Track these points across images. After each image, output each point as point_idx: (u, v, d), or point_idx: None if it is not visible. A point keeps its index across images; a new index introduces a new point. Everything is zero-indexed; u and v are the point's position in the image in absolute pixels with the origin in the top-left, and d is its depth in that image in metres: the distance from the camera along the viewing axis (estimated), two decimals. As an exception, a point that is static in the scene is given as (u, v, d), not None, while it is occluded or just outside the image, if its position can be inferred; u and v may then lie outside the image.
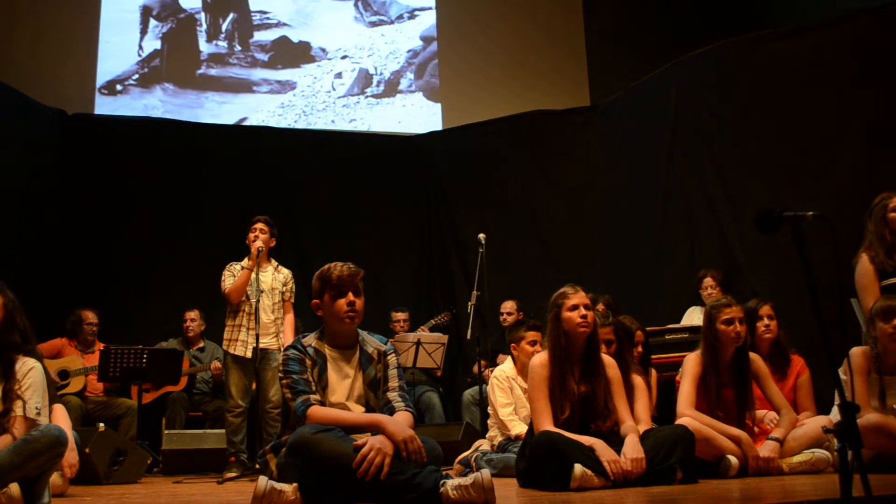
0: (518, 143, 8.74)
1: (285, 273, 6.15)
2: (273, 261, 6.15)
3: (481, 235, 6.86)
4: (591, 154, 8.44)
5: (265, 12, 9.82)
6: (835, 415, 4.44)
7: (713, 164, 7.03)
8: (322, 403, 3.40)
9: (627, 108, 8.12)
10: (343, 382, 3.52)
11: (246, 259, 5.99)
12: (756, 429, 4.44)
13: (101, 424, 5.40)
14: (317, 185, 8.69)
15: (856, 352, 4.33)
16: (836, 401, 3.51)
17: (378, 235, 8.70)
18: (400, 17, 10.22)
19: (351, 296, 3.53)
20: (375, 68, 9.97)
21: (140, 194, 8.21)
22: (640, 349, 5.05)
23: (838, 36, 6.76)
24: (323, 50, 9.86)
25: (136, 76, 9.24)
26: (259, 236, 5.97)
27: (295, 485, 3.16)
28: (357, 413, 3.45)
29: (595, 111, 8.72)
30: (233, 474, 5.52)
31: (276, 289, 6.05)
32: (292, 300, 6.13)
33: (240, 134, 8.93)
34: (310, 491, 3.15)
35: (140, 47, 9.33)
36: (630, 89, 8.16)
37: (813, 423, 4.34)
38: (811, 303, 2.79)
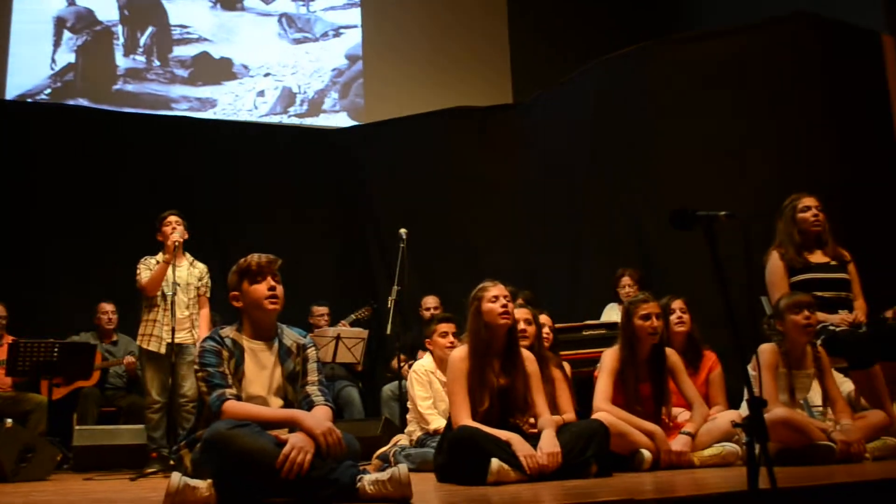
0: (440, 138, 8.73)
1: (200, 268, 6.05)
2: (188, 255, 6.05)
3: (402, 230, 6.84)
4: (513, 151, 8.49)
5: (185, 26, 9.55)
6: (744, 409, 4.55)
7: (632, 163, 7.14)
8: (238, 397, 3.34)
9: (549, 107, 8.20)
10: (261, 374, 3.47)
11: (161, 253, 5.88)
12: (670, 423, 4.54)
13: (9, 420, 5.27)
14: (235, 179, 8.54)
15: (764, 348, 4.46)
16: (746, 396, 3.60)
17: (298, 230, 8.60)
18: (325, 35, 10.08)
19: (271, 280, 3.50)
20: (299, 87, 9.83)
21: (49, 182, 7.95)
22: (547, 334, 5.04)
23: (754, 40, 6.98)
24: (245, 67, 9.67)
25: (49, 90, 8.89)
26: (176, 228, 5.87)
27: (209, 481, 3.10)
28: (274, 409, 3.41)
29: (517, 109, 8.78)
30: (153, 469, 5.42)
31: (191, 283, 5.95)
32: (208, 294, 6.05)
33: (158, 123, 8.71)
34: (225, 487, 3.10)
35: (53, 60, 8.98)
36: (551, 88, 8.24)
37: (723, 418, 4.45)
38: (723, 299, 2.86)
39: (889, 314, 5.15)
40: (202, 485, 3.08)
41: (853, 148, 6.92)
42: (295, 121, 9.67)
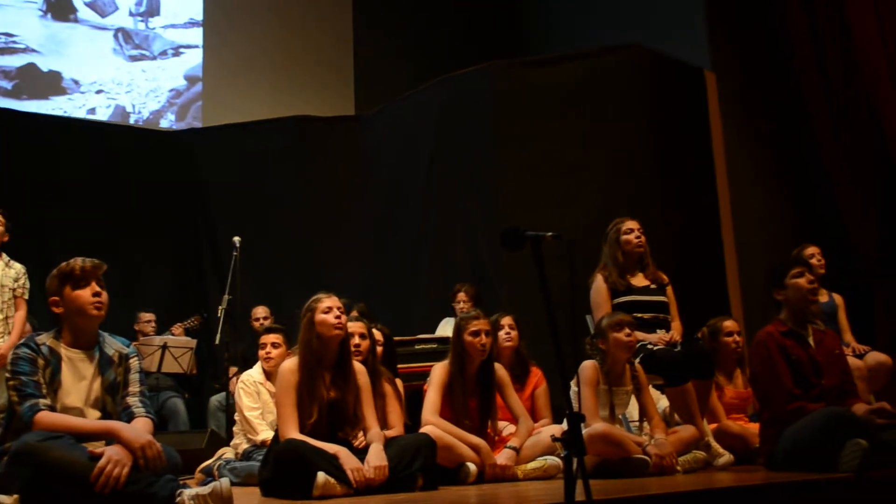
0: (281, 146, 8.60)
1: (17, 268, 5.73)
2: (4, 255, 5.72)
3: (236, 238, 6.72)
4: (354, 163, 8.47)
5: (11, 35, 8.82)
6: (566, 424, 4.71)
7: (469, 181, 7.26)
8: (52, 408, 3.19)
9: (391, 121, 8.24)
10: (79, 385, 3.33)
11: (-27, 253, 5.54)
12: (496, 437, 4.64)
13: None
14: (64, 178, 8.11)
15: (586, 365, 4.63)
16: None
17: (129, 233, 8.24)
18: (164, 53, 9.59)
19: (95, 286, 3.36)
20: (133, 106, 9.32)
21: None
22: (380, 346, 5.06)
23: (589, 68, 7.28)
24: (76, 82, 9.06)
25: None
26: None
27: (16, 496, 2.94)
28: (90, 420, 3.27)
29: (359, 120, 8.78)
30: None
31: (5, 285, 5.62)
32: (25, 296, 5.72)
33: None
34: (33, 501, 2.95)
35: None
36: (394, 102, 8.29)
37: (546, 432, 4.58)
38: (548, 317, 2.96)
39: (700, 335, 5.46)
40: (8, 500, 2.93)
41: (675, 175, 7.34)
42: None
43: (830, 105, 8.39)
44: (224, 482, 2.98)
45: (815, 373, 4.26)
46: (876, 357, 5.56)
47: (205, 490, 2.95)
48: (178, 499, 2.94)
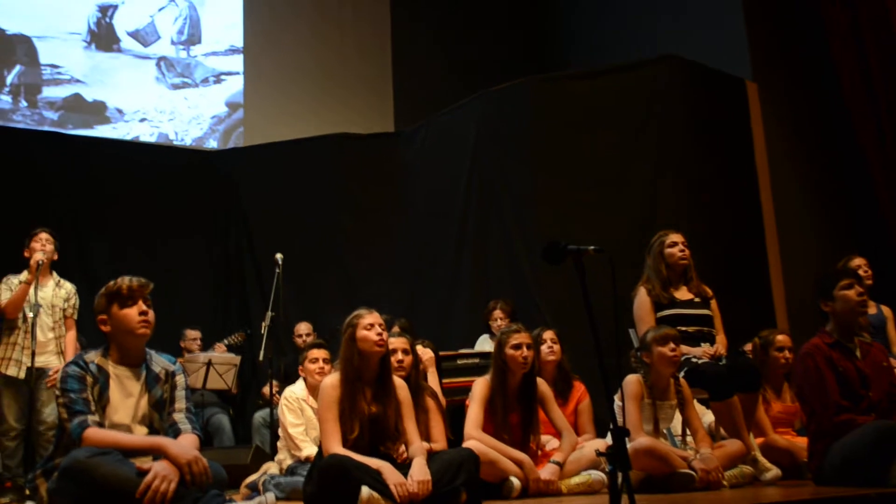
0: (320, 164, 8.67)
1: (68, 288, 5.84)
2: (55, 274, 5.83)
3: (278, 255, 6.80)
4: (393, 179, 8.52)
5: (57, 66, 8.97)
6: (610, 439, 4.68)
7: (509, 195, 7.26)
8: (101, 425, 3.23)
9: (430, 137, 8.27)
10: (126, 402, 3.38)
11: (25, 272, 5.64)
12: (539, 451, 4.62)
13: None
14: (108, 198, 8.24)
15: (630, 379, 4.60)
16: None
17: (172, 252, 8.36)
18: (205, 81, 9.71)
19: (142, 305, 3.41)
20: (176, 133, 9.44)
21: None
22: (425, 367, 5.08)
23: (629, 80, 7.27)
24: (119, 111, 9.18)
25: None
26: (45, 247, 5.66)
27: (68, 512, 2.99)
28: (137, 436, 3.31)
29: (399, 137, 8.82)
30: (6, 500, 5.15)
31: (56, 305, 5.73)
32: (75, 317, 5.83)
33: (30, 136, 8.33)
34: (83, 517, 2.99)
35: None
36: (433, 118, 8.33)
37: (590, 447, 4.55)
38: (591, 331, 2.95)
39: (748, 347, 5.40)
40: (59, 516, 2.97)
41: (718, 187, 7.28)
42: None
43: (874, 111, 8.27)
44: (269, 497, 3.01)
45: (863, 385, 4.18)
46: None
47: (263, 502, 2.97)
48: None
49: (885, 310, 5.97)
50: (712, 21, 8.42)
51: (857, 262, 5.89)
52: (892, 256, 8.03)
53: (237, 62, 9.90)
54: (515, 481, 4.28)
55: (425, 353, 5.14)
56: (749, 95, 7.98)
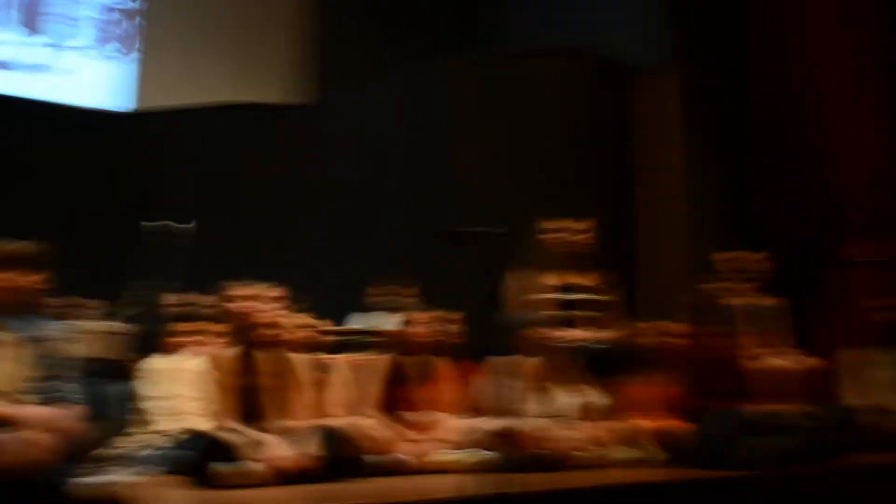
0: (236, 132, 8.50)
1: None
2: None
3: (187, 225, 6.69)
4: (307, 151, 8.42)
5: None
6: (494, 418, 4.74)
7: (427, 173, 7.28)
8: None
9: (347, 111, 8.20)
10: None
11: None
12: (423, 429, 4.64)
13: None
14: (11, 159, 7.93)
15: (515, 360, 4.64)
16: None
17: (72, 217, 8.12)
18: (99, 40, 9.27)
19: (13, 271, 3.32)
20: (71, 92, 8.98)
21: None
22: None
23: (536, 68, 7.35)
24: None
25: None
26: None
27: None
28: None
29: (311, 110, 8.72)
30: None
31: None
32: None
33: None
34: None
35: None
36: (351, 92, 8.25)
37: (473, 426, 4.56)
38: (482, 313, 2.99)
39: (637, 333, 5.53)
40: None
41: (611, 176, 7.43)
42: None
43: (777, 115, 8.49)
44: (139, 469, 2.96)
45: (729, 374, 4.34)
46: (802, 360, 5.68)
47: (119, 477, 2.93)
48: (89, 486, 2.92)
49: (770, 301, 6.16)
50: (622, 13, 8.52)
51: (747, 255, 6.04)
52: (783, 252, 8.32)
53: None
54: (398, 457, 4.32)
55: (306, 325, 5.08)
56: (658, 87, 8.11)
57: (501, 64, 7.51)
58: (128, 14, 9.44)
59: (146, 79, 9.40)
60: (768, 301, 6.00)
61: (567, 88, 7.34)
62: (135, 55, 9.38)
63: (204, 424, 3.86)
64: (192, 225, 6.73)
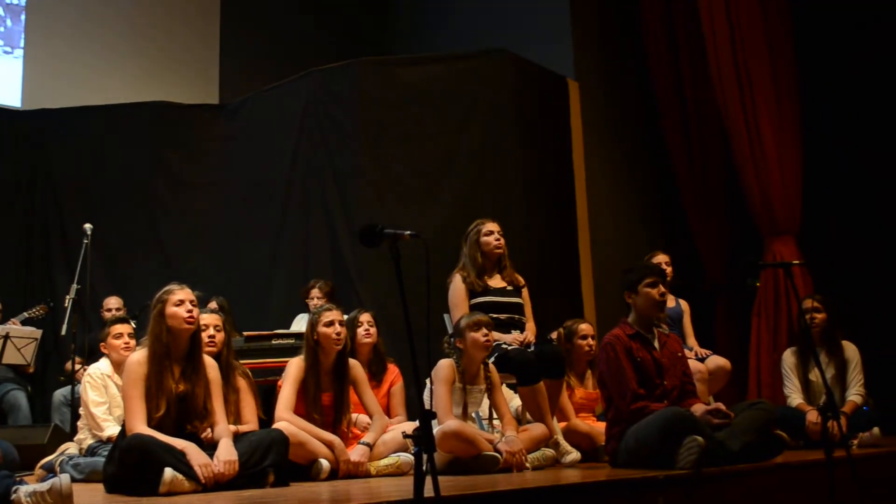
0: (138, 132, 8.26)
1: None
2: None
3: (87, 225, 6.50)
4: (215, 153, 8.26)
5: None
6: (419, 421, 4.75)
7: (333, 176, 7.20)
8: None
9: (256, 112, 8.07)
10: None
11: None
12: (350, 433, 4.64)
13: None
14: None
15: (442, 364, 4.68)
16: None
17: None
18: None
19: None
20: None
21: None
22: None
23: (458, 70, 7.39)
24: None
25: None
26: None
27: None
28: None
29: (223, 110, 8.55)
30: None
31: None
32: None
33: None
34: None
35: None
36: (259, 93, 8.14)
37: (400, 429, 4.62)
38: (405, 315, 2.98)
39: (554, 336, 5.62)
40: None
41: (536, 180, 7.54)
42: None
43: (685, 120, 8.79)
44: (64, 478, 2.87)
45: (659, 374, 4.43)
46: (716, 361, 5.84)
47: (43, 487, 2.84)
48: (13, 496, 2.82)
49: (683, 304, 6.34)
50: (539, 18, 8.67)
51: (661, 258, 6.20)
52: (695, 256, 8.62)
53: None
54: (325, 463, 4.29)
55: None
56: (571, 94, 8.28)
57: (416, 65, 7.51)
58: (13, 11, 9.04)
59: (31, 77, 9.04)
60: (672, 303, 6.18)
61: (495, 89, 7.40)
62: (20, 52, 9.00)
63: (131, 430, 3.73)
64: (88, 226, 6.50)
